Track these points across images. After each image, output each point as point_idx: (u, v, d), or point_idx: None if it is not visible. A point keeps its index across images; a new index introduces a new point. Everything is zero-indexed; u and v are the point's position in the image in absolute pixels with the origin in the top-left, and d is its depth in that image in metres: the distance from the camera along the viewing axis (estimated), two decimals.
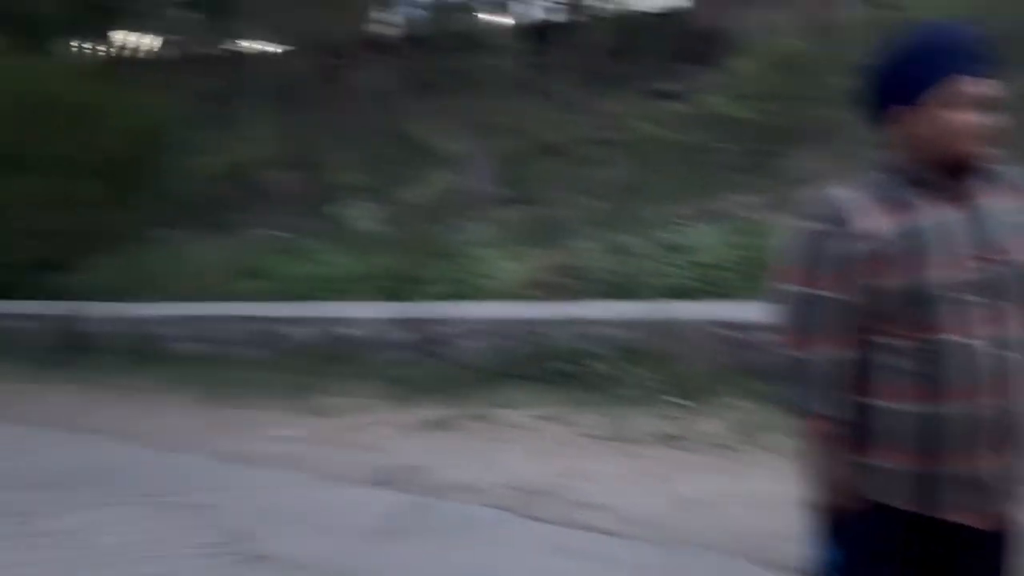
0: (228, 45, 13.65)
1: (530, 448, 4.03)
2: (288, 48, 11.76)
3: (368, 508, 3.53)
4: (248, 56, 12.59)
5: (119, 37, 13.19)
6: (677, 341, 4.47)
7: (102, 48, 12.47)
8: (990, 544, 1.54)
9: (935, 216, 1.45)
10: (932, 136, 1.47)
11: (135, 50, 12.86)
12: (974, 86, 1.43)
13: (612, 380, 4.50)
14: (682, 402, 4.26)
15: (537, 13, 17.52)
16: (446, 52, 12.21)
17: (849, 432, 1.59)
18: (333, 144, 9.22)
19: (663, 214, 7.31)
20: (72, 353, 6.11)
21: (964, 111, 1.44)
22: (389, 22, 15.48)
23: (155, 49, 13.31)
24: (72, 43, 12.23)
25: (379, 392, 4.99)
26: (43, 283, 7.22)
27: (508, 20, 15.84)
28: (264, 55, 12.13)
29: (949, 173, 1.46)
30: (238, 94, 10.14)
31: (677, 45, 15.52)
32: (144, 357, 5.92)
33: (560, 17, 13.40)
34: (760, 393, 4.22)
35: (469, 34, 14.05)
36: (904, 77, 1.50)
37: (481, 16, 17.98)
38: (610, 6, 17.43)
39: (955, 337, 1.42)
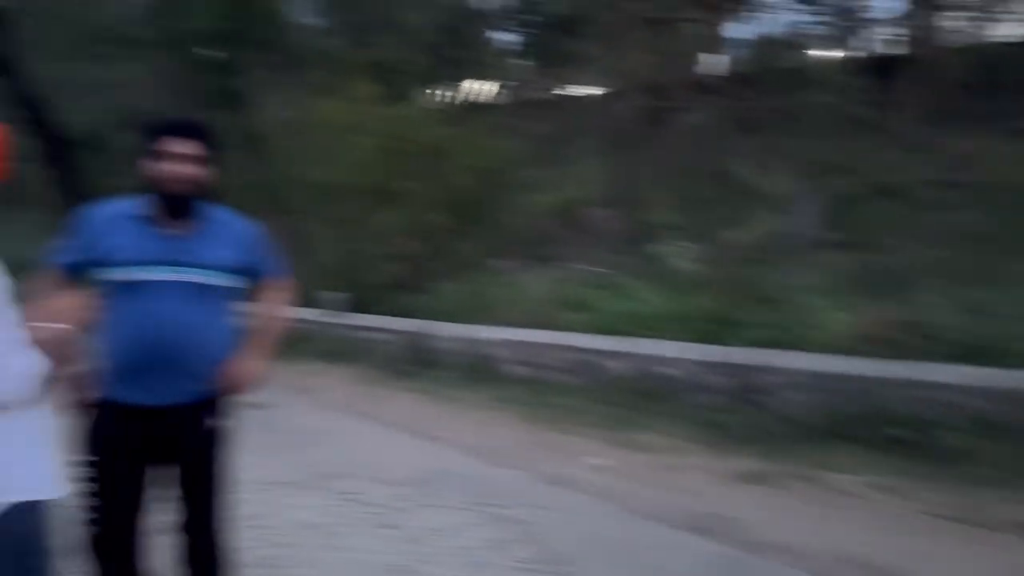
0: (560, 90, 14.62)
1: (862, 519, 3.72)
2: (615, 91, 12.24)
3: (682, 553, 3.50)
4: (578, 100, 13.35)
5: (467, 86, 14.73)
6: None
7: (453, 96, 14.01)
8: None
9: None
10: None
11: (480, 97, 14.26)
12: None
13: (963, 454, 3.99)
14: None
15: (876, 46, 16.34)
16: (773, 90, 11.88)
17: None
18: (655, 183, 9.40)
19: None
20: (418, 365, 6.88)
21: None
22: (715, 62, 15.45)
23: (497, 95, 14.63)
24: (429, 91, 13.89)
25: (693, 435, 4.94)
26: (397, 301, 8.25)
27: (840, 54, 14.96)
28: (593, 98, 12.77)
29: None
30: (568, 136, 10.78)
31: None
32: (478, 375, 6.48)
33: (902, 50, 12.36)
34: None
35: (798, 70, 13.53)
36: None
37: (811, 52, 17.20)
38: (963, 36, 15.72)
39: None
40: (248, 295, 2.58)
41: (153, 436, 2.38)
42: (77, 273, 2.33)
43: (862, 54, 15.87)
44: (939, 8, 13.70)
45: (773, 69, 13.46)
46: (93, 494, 2.37)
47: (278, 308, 2.65)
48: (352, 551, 3.53)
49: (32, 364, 1.79)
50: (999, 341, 4.68)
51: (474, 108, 13.42)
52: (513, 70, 17.21)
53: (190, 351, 2.34)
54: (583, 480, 4.45)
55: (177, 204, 2.31)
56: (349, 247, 9.07)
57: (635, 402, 5.49)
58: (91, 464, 2.38)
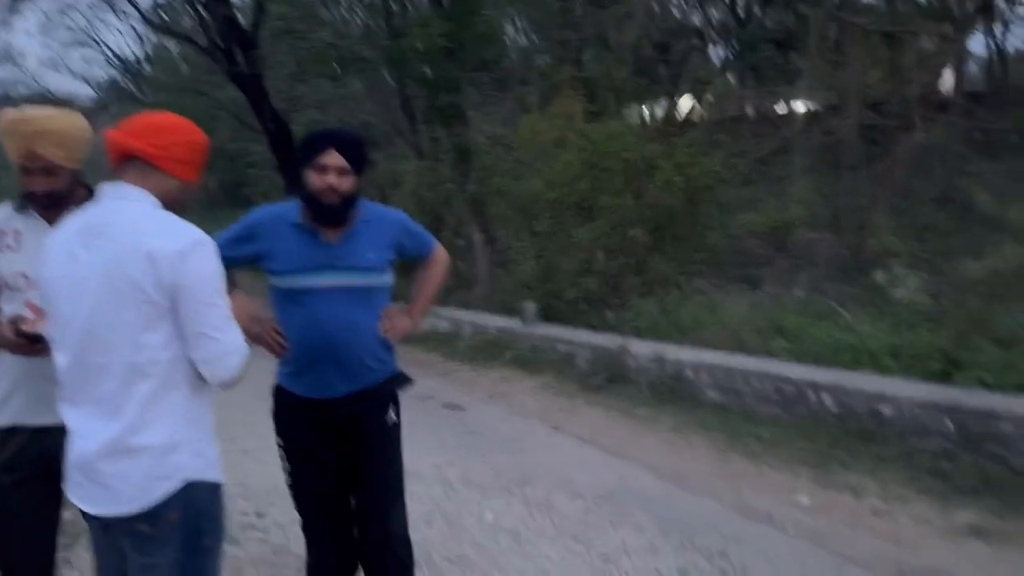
0: (773, 106, 14.03)
1: None
2: (833, 106, 11.56)
3: None
4: (792, 117, 12.75)
5: (675, 101, 14.54)
6: None
7: (661, 111, 13.88)
8: None
9: None
10: None
11: (689, 113, 14.03)
12: None
13: None
14: None
15: None
16: (1013, 108, 10.70)
17: None
18: (876, 206, 8.74)
19: None
20: (611, 381, 6.84)
21: None
22: (947, 78, 14.18)
23: (706, 112, 14.32)
24: (637, 107, 13.87)
25: (909, 481, 4.51)
26: (593, 315, 8.27)
27: None
28: (809, 114, 12.14)
29: None
30: (780, 154, 10.31)
31: None
32: (672, 395, 6.33)
33: None
34: None
35: None
36: None
37: None
38: None
39: None
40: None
41: (326, 427, 2.58)
42: (233, 266, 2.45)
43: None
44: None
45: (1014, 86, 12.11)
46: (292, 477, 2.64)
47: (436, 274, 2.84)
48: (543, 559, 3.57)
49: (243, 344, 1.95)
50: None
51: (682, 124, 13.22)
52: (724, 85, 16.79)
53: (352, 348, 2.53)
54: (781, 516, 4.21)
55: (332, 214, 2.47)
56: (548, 260, 9.22)
57: (844, 441, 5.11)
58: (285, 448, 2.65)
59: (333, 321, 2.49)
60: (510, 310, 8.75)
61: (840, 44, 9.96)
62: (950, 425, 4.67)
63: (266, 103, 15.09)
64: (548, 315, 8.58)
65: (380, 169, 13.95)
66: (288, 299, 2.52)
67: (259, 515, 4.07)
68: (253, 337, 2.32)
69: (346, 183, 2.46)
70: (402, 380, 2.73)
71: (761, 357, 6.23)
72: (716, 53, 18.04)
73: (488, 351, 8.34)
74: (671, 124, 12.39)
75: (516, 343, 8.15)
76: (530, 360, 7.84)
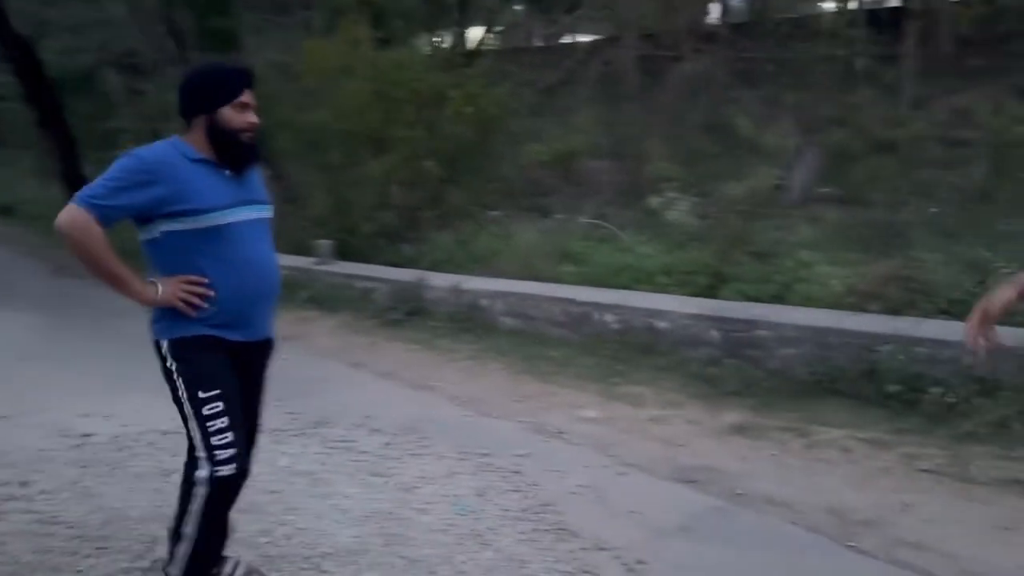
0: (559, 37, 14.33)
1: (852, 472, 3.74)
2: (614, 38, 12.00)
3: (669, 504, 3.52)
4: (576, 47, 13.09)
5: (465, 32, 14.41)
6: None
7: (450, 42, 13.72)
8: None
9: None
10: None
11: (478, 43, 13.97)
12: None
13: (955, 411, 4.00)
14: None
15: None
16: (774, 41, 11.67)
17: None
18: (653, 134, 9.26)
19: None
20: (410, 315, 6.85)
21: None
22: (716, 11, 15.16)
23: (494, 42, 14.33)
24: (426, 37, 13.61)
25: (684, 388, 4.95)
26: (389, 250, 8.18)
27: (843, 6, 14.68)
28: (592, 45, 12.52)
29: None
30: (566, 84, 10.58)
31: None
32: (470, 325, 6.45)
33: (905, 2, 12.15)
34: None
35: (800, 21, 13.28)
36: None
37: (815, 2, 16.88)
38: None
39: None
40: None
41: (242, 370, 2.51)
42: (122, 217, 2.33)
43: (866, 6, 15.58)
44: None
45: (775, 19, 13.20)
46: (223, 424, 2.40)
47: None
48: (339, 497, 3.54)
49: None
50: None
51: (471, 55, 13.16)
52: (510, 16, 16.83)
53: (276, 283, 2.57)
54: (572, 431, 4.46)
55: (252, 151, 2.46)
56: (340, 195, 8.95)
57: (627, 355, 5.49)
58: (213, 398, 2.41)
59: (260, 257, 2.47)
60: (304, 248, 8.43)
61: None
62: (716, 335, 5.15)
63: (7, 27, 13.19)
64: (344, 252, 8.38)
65: (149, 101, 12.75)
66: (211, 240, 2.35)
67: (22, 484, 3.70)
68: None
69: (257, 119, 2.47)
70: None
71: (550, 283, 6.49)
72: None
73: (282, 292, 8.02)
74: (461, 54, 12.28)
75: (311, 282, 7.90)
76: (327, 299, 7.65)
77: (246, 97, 2.42)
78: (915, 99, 11.21)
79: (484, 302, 6.49)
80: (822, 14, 14.24)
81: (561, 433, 4.45)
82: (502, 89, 9.17)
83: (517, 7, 17.44)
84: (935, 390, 4.06)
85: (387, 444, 4.25)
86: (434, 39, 13.72)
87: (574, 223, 7.97)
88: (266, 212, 2.52)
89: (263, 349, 2.62)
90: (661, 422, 4.55)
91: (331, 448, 4.19)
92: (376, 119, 8.65)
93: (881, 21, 14.69)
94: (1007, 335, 4.18)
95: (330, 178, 9.18)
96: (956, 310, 4.78)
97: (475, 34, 14.69)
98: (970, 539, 3.12)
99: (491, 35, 14.52)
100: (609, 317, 5.70)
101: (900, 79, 11.15)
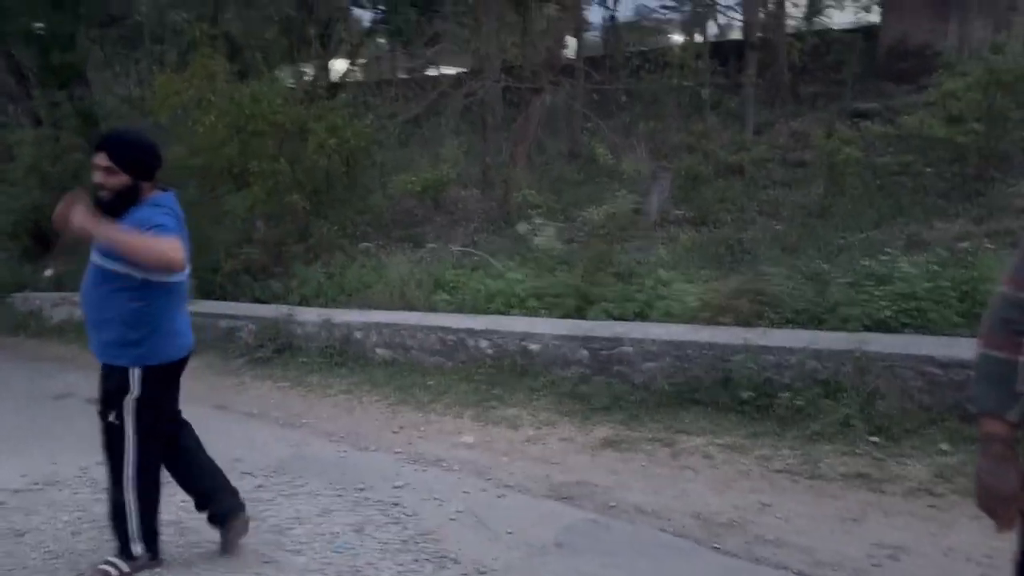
0: (423, 69, 14.46)
1: (713, 477, 3.94)
2: (476, 71, 12.25)
3: (546, 522, 3.59)
4: (441, 79, 13.27)
5: (328, 64, 14.29)
6: (876, 376, 4.21)
7: (313, 75, 13.57)
8: None
9: None
10: None
11: (341, 76, 13.90)
12: None
13: (803, 414, 4.30)
14: (879, 441, 4.00)
15: (722, 32, 17.18)
16: (627, 73, 12.27)
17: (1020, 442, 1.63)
18: (517, 163, 9.50)
19: (859, 240, 6.94)
20: (280, 352, 6.67)
21: None
22: (574, 45, 15.75)
23: (358, 74, 14.30)
24: (288, 70, 13.40)
25: (558, 407, 5.07)
26: (256, 287, 7.95)
27: (691, 39, 15.65)
28: (456, 78, 12.72)
29: None
30: (431, 116, 10.69)
31: (874, 62, 14.69)
32: (342, 360, 6.36)
33: (747, 35, 13.10)
34: (965, 436, 3.90)
35: (649, 55, 14.03)
36: None
37: (663, 36, 17.89)
38: (798, 23, 16.78)
39: None
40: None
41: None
42: None
43: (710, 39, 16.65)
44: None
45: (628, 52, 13.89)
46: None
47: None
48: (208, 545, 3.40)
49: None
50: (832, 307, 5.05)
51: (334, 87, 13.07)
52: (374, 49, 16.86)
53: (93, 319, 3.03)
54: (451, 458, 4.48)
55: (105, 207, 2.86)
56: (200, 232, 8.61)
57: (502, 379, 5.57)
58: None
59: (86, 291, 3.13)
60: None
61: (474, 10, 10.52)
62: (585, 354, 5.31)
63: None
64: (206, 291, 8.07)
65: None
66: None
67: None
68: None
69: (104, 179, 2.95)
70: None
71: (425, 312, 6.51)
72: (364, 15, 18.06)
73: None
74: (322, 86, 12.17)
75: None
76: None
77: (97, 159, 2.89)
78: (757, 125, 12.08)
79: (357, 335, 6.42)
80: (670, 47, 15.11)
81: (439, 461, 4.46)
82: (365, 121, 9.15)
83: (380, 40, 17.50)
84: (784, 395, 4.35)
85: (259, 486, 4.12)
86: (295, 72, 13.55)
87: (446, 252, 8.04)
88: (99, 259, 2.94)
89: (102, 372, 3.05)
90: (537, 442, 4.64)
91: None
92: (234, 153, 8.43)
93: (725, 53, 15.76)
94: (840, 339, 4.56)
95: (187, 215, 8.82)
96: (800, 319, 5.17)
97: (338, 67, 14.60)
98: (823, 532, 3.35)
99: (355, 68, 14.48)
100: (483, 343, 5.77)
101: (743, 107, 11.98)
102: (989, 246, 6.11)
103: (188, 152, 8.62)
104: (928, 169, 8.46)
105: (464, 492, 3.97)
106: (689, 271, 6.67)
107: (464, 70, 14.46)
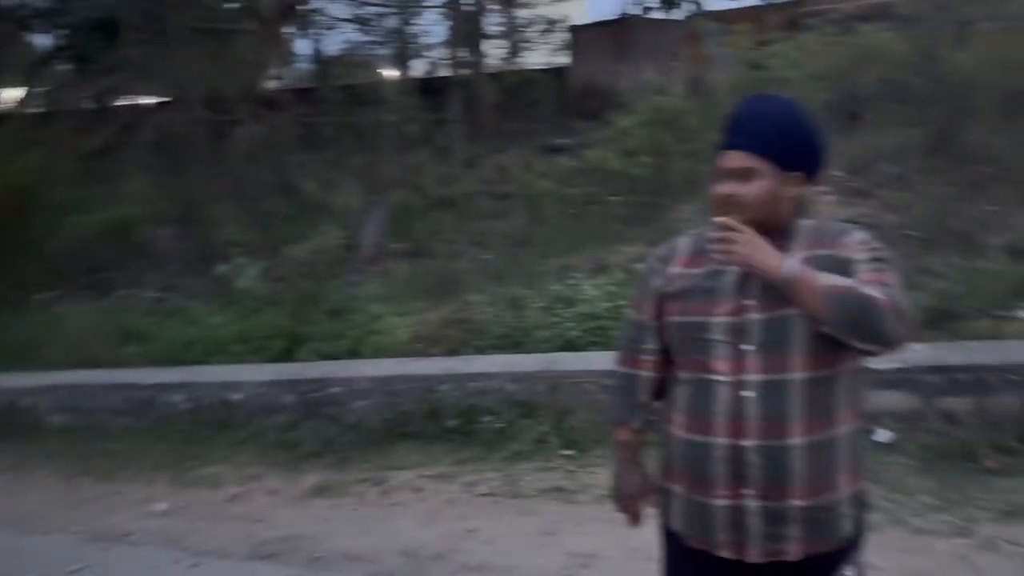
0: (109, 99, 13.17)
1: (422, 510, 3.94)
2: (172, 101, 11.44)
3: None
4: (131, 110, 12.18)
5: None
6: (567, 394, 4.50)
7: None
8: None
9: (710, 268, 1.65)
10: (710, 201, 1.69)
11: (11, 106, 12.25)
12: (723, 160, 1.63)
13: (505, 435, 4.47)
14: (572, 455, 4.27)
15: (429, 68, 17.74)
16: (336, 106, 12.19)
17: (645, 446, 1.83)
18: (219, 200, 8.97)
19: (554, 267, 7.44)
20: None
21: (719, 182, 1.64)
22: (278, 76, 15.35)
23: (31, 104, 12.72)
24: None
25: (263, 459, 4.79)
26: None
27: (398, 74, 15.98)
28: (147, 109, 11.77)
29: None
30: (120, 149, 9.75)
31: (566, 101, 16.06)
32: (10, 431, 5.49)
33: (453, 72, 13.66)
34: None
35: (358, 88, 14.08)
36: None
37: (371, 70, 18.07)
38: (497, 62, 17.90)
39: (717, 376, 1.57)
40: None
41: None
42: None
43: (418, 75, 17.12)
44: (476, 37, 15.36)
45: (335, 86, 13.81)
46: None
47: None
48: None
49: None
50: (529, 331, 5.33)
51: (5, 119, 11.47)
52: (49, 76, 15.10)
53: None
54: (140, 530, 4.05)
55: None
56: None
57: (201, 435, 5.15)
58: None
59: None
60: None
61: (170, 38, 9.82)
62: (292, 398, 5.09)
63: None
64: None
65: None
66: None
67: None
68: None
69: None
70: None
71: (111, 368, 5.85)
72: (40, 41, 16.11)
73: None
74: None
75: None
76: None
77: None
78: (465, 159, 12.58)
79: (25, 401, 5.60)
80: (378, 82, 15.30)
81: (126, 535, 4.01)
82: (34, 155, 8.11)
83: (60, 66, 15.69)
84: (487, 419, 4.50)
85: None
86: None
87: (138, 298, 7.32)
88: None
89: None
90: (240, 499, 4.34)
91: None
92: None
93: (433, 90, 16.30)
94: (534, 360, 4.80)
95: None
96: (502, 344, 5.39)
97: (10, 95, 12.85)
98: (524, 550, 3.49)
99: (29, 97, 12.85)
100: (178, 397, 5.32)
101: (451, 141, 12.42)
102: None
103: None
104: (613, 198, 9.34)
105: (153, 567, 3.60)
106: (403, 304, 6.71)
107: (161, 99, 13.47)
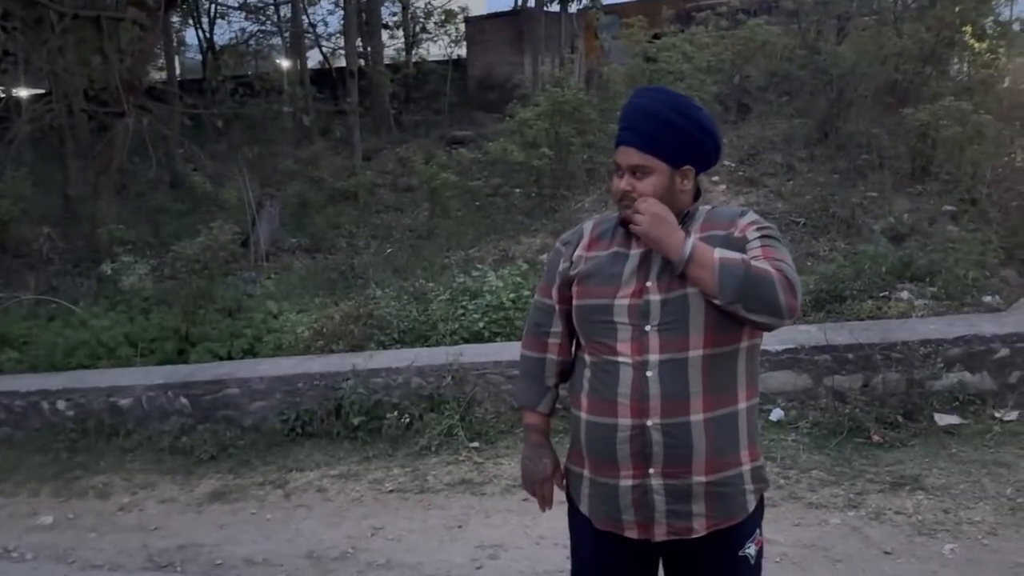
0: None
1: (327, 511, 3.85)
2: (49, 93, 10.75)
3: None
4: (5, 102, 11.37)
5: None
6: (473, 386, 4.49)
7: None
8: (684, 558, 1.68)
9: (613, 251, 1.67)
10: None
11: None
12: (618, 156, 1.66)
13: (411, 430, 4.41)
14: (479, 446, 4.26)
15: (324, 59, 17.35)
16: (227, 97, 11.75)
17: (552, 430, 1.84)
18: (102, 196, 8.49)
19: (459, 259, 7.41)
20: None
21: (617, 176, 1.67)
22: (164, 67, 14.68)
23: None
24: None
25: (156, 466, 4.57)
26: None
27: (294, 65, 15.54)
28: (23, 101, 11.01)
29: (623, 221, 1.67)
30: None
31: (466, 93, 16.01)
32: None
33: (349, 63, 13.38)
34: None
35: (251, 79, 13.63)
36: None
37: (264, 61, 17.53)
38: (396, 54, 17.67)
39: (621, 357, 1.60)
40: None
41: None
42: None
43: (312, 66, 16.72)
44: (373, 27, 15.11)
45: (226, 76, 13.31)
46: None
47: None
48: None
49: None
50: (433, 324, 5.28)
51: None
52: None
53: None
54: (22, 546, 3.80)
55: None
56: None
57: (88, 443, 4.87)
58: None
59: None
60: None
61: (47, 26, 9.18)
62: (185, 402, 4.88)
63: None
64: None
65: None
66: None
67: None
68: None
69: None
70: None
71: None
72: None
73: None
74: None
75: None
76: None
77: None
78: (366, 152, 12.38)
79: None
80: (270, 72, 14.82)
81: (8, 552, 3.75)
82: None
83: None
84: (392, 415, 4.43)
85: None
86: None
87: (14, 301, 6.85)
88: None
89: None
90: (131, 508, 4.13)
91: None
92: None
93: (329, 81, 15.94)
94: (440, 353, 4.77)
95: None
96: (407, 338, 5.32)
97: None
98: (431, 545, 3.45)
99: None
100: (61, 404, 5.00)
101: (350, 133, 12.18)
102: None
103: None
104: (516, 190, 9.38)
105: None
106: (303, 300, 6.54)
107: (34, 92, 12.67)
